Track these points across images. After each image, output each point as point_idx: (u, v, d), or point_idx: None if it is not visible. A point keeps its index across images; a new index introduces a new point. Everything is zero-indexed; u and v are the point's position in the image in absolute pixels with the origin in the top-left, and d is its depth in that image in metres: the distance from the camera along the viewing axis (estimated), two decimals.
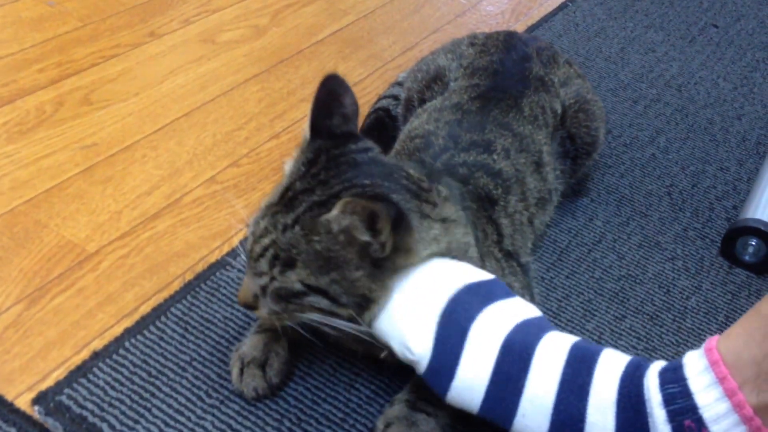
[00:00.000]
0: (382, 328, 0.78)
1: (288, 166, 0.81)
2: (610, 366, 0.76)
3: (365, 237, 0.72)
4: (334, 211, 0.71)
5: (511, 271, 0.92)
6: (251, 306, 0.79)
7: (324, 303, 0.75)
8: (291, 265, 0.74)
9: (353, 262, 0.74)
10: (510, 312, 0.79)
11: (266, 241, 0.75)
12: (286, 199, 0.76)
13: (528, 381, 0.75)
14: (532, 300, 0.94)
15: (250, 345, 0.85)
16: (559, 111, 1.10)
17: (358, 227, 0.72)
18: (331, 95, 0.81)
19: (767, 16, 1.88)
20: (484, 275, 0.82)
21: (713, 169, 1.34)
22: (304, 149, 0.80)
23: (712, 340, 0.74)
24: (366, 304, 0.76)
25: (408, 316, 0.78)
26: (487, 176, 0.93)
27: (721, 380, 0.70)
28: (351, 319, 0.77)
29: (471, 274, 0.81)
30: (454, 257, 0.81)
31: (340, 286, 0.74)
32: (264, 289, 0.77)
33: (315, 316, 0.77)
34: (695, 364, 0.73)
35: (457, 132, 0.97)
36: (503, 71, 1.08)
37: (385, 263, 0.75)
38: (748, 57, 1.70)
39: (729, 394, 0.70)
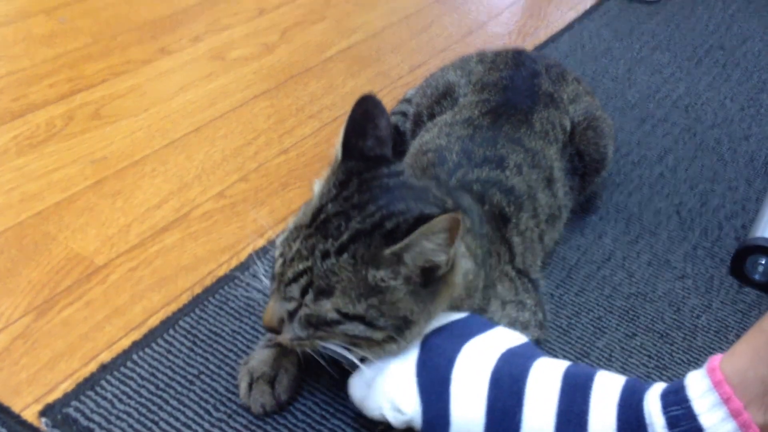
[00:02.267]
0: (367, 402, 0.77)
1: (317, 186, 0.79)
2: (606, 391, 0.75)
3: (443, 256, 0.71)
4: (413, 237, 0.69)
5: (524, 288, 0.92)
6: (275, 330, 0.76)
7: (359, 329, 0.73)
8: (327, 294, 0.72)
9: (400, 286, 0.72)
10: (490, 345, 0.78)
11: (300, 266, 0.72)
12: (319, 222, 0.74)
13: (524, 415, 0.74)
14: (544, 317, 0.93)
15: (259, 359, 0.84)
16: (569, 128, 1.10)
17: (438, 248, 0.70)
18: (367, 116, 0.78)
19: None
20: (455, 315, 0.80)
21: (722, 188, 1.34)
22: (335, 170, 0.78)
23: (715, 360, 0.73)
24: (406, 325, 0.74)
25: (386, 378, 0.76)
26: (500, 193, 0.93)
27: (726, 400, 0.69)
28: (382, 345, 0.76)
29: (438, 319, 0.79)
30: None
31: (378, 311, 0.72)
32: (292, 314, 0.74)
33: (338, 346, 0.75)
34: (698, 385, 0.72)
35: (469, 147, 0.97)
36: (513, 87, 1.08)
37: (433, 283, 0.73)
38: (755, 78, 1.70)
39: (734, 414, 0.69)
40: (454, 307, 0.80)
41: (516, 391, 0.74)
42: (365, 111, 0.78)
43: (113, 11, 1.51)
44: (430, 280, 0.73)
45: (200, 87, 1.35)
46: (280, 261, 0.74)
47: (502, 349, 0.78)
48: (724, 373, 0.71)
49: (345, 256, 0.71)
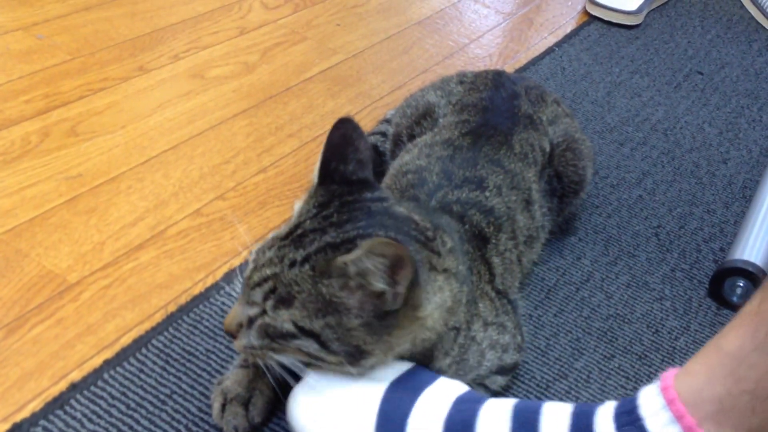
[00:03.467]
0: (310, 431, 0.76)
1: (297, 206, 0.79)
2: (555, 418, 0.75)
3: (381, 284, 0.70)
4: (358, 251, 0.68)
5: (504, 310, 0.91)
6: (233, 335, 0.77)
7: (313, 347, 0.73)
8: (287, 304, 0.72)
9: (354, 311, 0.71)
10: (441, 394, 0.78)
11: (268, 271, 0.73)
12: (295, 236, 0.74)
13: None
14: (522, 339, 0.93)
15: (234, 380, 0.83)
16: (548, 149, 1.10)
17: (378, 273, 0.69)
18: (346, 140, 0.78)
19: (751, 65, 1.91)
20: (403, 366, 0.80)
21: (700, 211, 1.34)
22: (314, 193, 0.78)
23: (669, 377, 0.72)
24: (359, 355, 0.73)
25: (341, 420, 0.75)
26: (480, 214, 0.93)
27: (679, 418, 0.69)
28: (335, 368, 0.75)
29: (390, 371, 0.79)
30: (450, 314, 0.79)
31: (334, 333, 0.72)
32: (251, 321, 0.75)
33: (290, 360, 0.75)
34: (651, 403, 0.72)
35: (449, 168, 0.97)
36: (492, 108, 1.08)
37: (389, 317, 0.72)
38: (733, 103, 1.72)
39: (687, 431, 0.69)
40: (442, 330, 0.79)
41: None
42: (343, 135, 0.78)
43: (92, 28, 1.50)
44: (383, 312, 0.72)
45: (179, 105, 1.34)
46: (251, 266, 0.75)
47: (453, 398, 0.78)
48: (678, 390, 0.71)
49: (306, 266, 0.71)
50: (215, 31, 1.60)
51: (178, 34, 1.55)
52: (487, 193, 0.95)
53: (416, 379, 0.79)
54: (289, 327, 0.72)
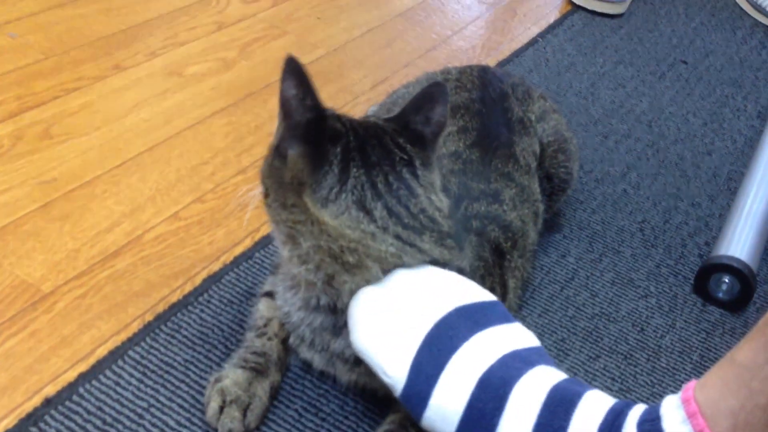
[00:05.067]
0: (362, 345, 0.76)
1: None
2: (591, 412, 0.73)
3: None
4: None
5: None
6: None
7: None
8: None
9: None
10: (500, 341, 0.76)
11: None
12: None
13: (502, 420, 0.73)
14: None
15: (233, 380, 0.81)
16: (538, 151, 1.09)
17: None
18: (428, 97, 0.81)
19: (735, 52, 1.90)
20: (484, 296, 0.79)
21: (685, 205, 1.33)
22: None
23: (689, 389, 0.72)
24: (267, 193, 0.80)
25: (390, 335, 0.75)
26: (498, 229, 0.92)
27: None
28: None
29: (468, 293, 0.78)
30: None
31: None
32: None
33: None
34: (673, 416, 0.71)
35: (464, 181, 0.96)
36: (486, 113, 1.06)
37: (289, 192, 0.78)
38: (718, 93, 1.71)
39: None
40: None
41: (500, 396, 0.73)
42: (430, 93, 0.82)
43: (66, 26, 1.47)
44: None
45: (155, 104, 1.32)
46: None
47: (507, 350, 0.76)
48: (698, 403, 0.70)
49: None
50: (192, 27, 1.57)
51: (154, 30, 1.52)
52: (505, 207, 0.95)
53: (487, 314, 0.78)
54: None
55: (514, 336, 0.78)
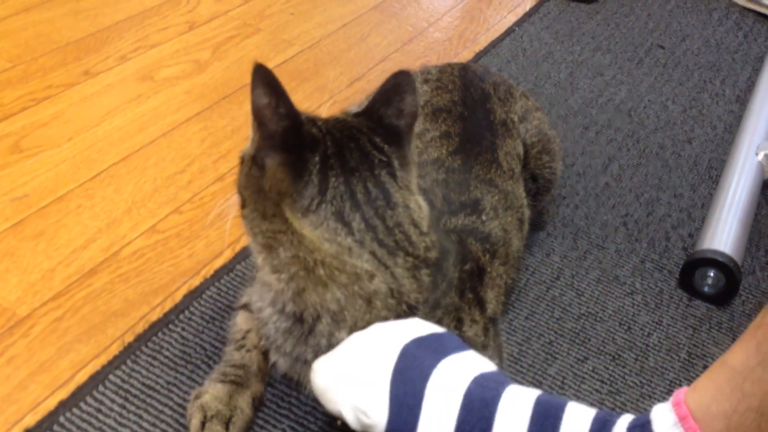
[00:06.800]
0: (329, 395, 0.74)
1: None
2: (576, 423, 0.73)
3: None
4: None
5: (495, 332, 0.90)
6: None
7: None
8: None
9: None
10: (465, 366, 0.76)
11: None
12: None
13: None
14: (501, 361, 0.91)
15: (213, 395, 0.80)
16: (522, 153, 1.07)
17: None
18: (396, 88, 0.79)
19: (712, 35, 1.89)
20: (434, 328, 0.78)
21: (667, 196, 1.32)
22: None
23: (680, 393, 0.72)
24: (244, 202, 0.79)
25: (357, 376, 0.74)
26: (476, 242, 0.90)
27: None
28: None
29: (418, 325, 0.77)
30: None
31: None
32: None
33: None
34: (664, 419, 0.71)
35: (446, 193, 0.94)
36: (468, 116, 1.04)
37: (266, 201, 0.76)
38: (695, 77, 1.70)
39: None
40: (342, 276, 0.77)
41: (486, 416, 0.72)
42: (397, 84, 0.80)
43: (33, 32, 1.43)
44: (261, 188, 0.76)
45: (128, 111, 1.29)
46: None
47: (476, 373, 0.75)
48: (689, 407, 0.69)
49: None
50: (163, 27, 1.53)
51: (124, 32, 1.49)
52: (484, 217, 0.93)
53: (444, 343, 0.77)
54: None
55: (475, 361, 0.77)
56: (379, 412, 0.73)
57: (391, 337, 0.76)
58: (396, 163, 0.79)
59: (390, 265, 0.76)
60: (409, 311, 0.78)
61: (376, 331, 0.76)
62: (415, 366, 0.74)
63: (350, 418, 0.74)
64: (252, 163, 0.77)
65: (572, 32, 1.80)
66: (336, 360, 0.76)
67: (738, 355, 0.69)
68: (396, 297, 0.77)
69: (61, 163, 1.16)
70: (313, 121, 0.78)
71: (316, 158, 0.75)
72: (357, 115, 0.81)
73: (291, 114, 0.75)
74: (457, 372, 0.75)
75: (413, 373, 0.74)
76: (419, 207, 0.80)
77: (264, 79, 0.74)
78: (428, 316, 0.80)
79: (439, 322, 0.81)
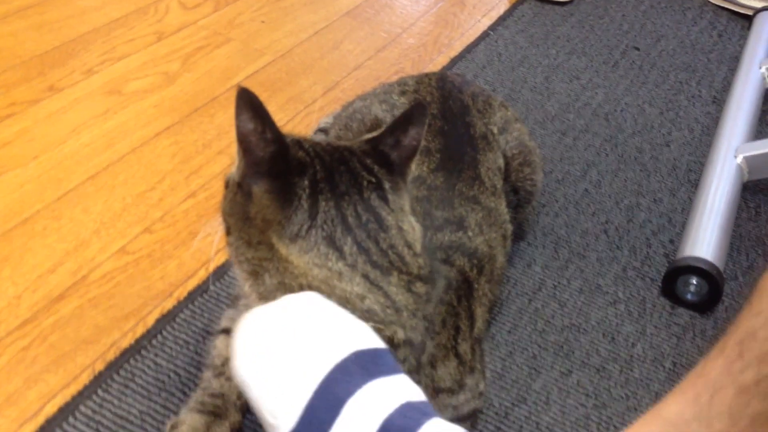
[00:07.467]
0: (247, 377, 0.69)
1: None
2: None
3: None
4: None
5: (480, 354, 0.88)
6: None
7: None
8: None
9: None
10: (394, 391, 0.71)
11: None
12: None
13: None
14: (485, 384, 0.88)
15: (190, 425, 0.78)
16: (503, 165, 1.05)
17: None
18: (406, 120, 0.77)
19: (686, 35, 1.88)
20: (376, 342, 0.74)
21: (647, 201, 1.31)
22: None
23: None
24: (228, 230, 0.76)
25: (283, 374, 0.68)
26: (464, 257, 0.88)
27: None
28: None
29: (365, 335, 0.73)
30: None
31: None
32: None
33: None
34: None
35: (429, 210, 0.92)
36: (448, 131, 1.02)
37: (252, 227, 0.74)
38: (671, 79, 1.69)
39: None
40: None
41: None
42: (408, 116, 0.78)
43: None
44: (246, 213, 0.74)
45: (95, 127, 1.25)
46: None
47: (403, 401, 0.71)
48: None
49: None
50: (131, 39, 1.50)
51: (90, 45, 1.45)
52: (470, 233, 0.91)
53: (378, 363, 0.72)
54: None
55: (404, 387, 0.73)
56: (288, 418, 0.68)
57: (336, 340, 0.71)
58: (387, 186, 0.76)
59: (383, 285, 0.73)
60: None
61: (328, 320, 0.71)
62: (345, 381, 0.69)
63: (259, 409, 0.69)
64: (237, 189, 0.75)
65: (547, 35, 1.79)
66: (267, 354, 0.70)
67: (672, 406, 0.65)
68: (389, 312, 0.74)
69: (26, 183, 1.12)
70: (299, 143, 0.76)
71: (305, 182, 0.73)
72: (364, 140, 0.79)
73: (277, 139, 0.72)
74: (383, 396, 0.70)
75: (338, 387, 0.69)
76: (413, 228, 0.77)
77: (249, 103, 0.71)
78: (428, 321, 0.77)
79: (441, 324, 0.79)
